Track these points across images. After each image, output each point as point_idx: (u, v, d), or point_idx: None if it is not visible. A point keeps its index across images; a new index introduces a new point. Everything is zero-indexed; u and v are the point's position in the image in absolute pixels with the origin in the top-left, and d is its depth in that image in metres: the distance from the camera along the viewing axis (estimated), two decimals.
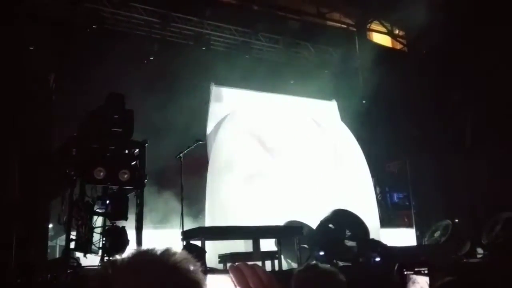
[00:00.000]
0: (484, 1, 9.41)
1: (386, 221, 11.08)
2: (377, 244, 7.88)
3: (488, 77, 9.72)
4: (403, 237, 10.90)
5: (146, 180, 6.41)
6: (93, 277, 1.14)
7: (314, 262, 2.35)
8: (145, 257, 1.12)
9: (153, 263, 1.10)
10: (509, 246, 7.33)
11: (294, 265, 7.44)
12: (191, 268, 1.13)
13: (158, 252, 1.13)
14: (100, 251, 5.80)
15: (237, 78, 10.11)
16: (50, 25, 8.54)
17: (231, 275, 1.10)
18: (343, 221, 8.15)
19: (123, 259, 1.12)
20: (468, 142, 10.41)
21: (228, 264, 1.15)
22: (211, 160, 9.42)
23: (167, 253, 1.13)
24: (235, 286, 1.10)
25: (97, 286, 1.11)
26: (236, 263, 1.12)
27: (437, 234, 8.79)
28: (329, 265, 2.40)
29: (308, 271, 2.25)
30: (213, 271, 1.18)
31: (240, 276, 1.10)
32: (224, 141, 9.68)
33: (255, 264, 1.13)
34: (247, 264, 1.12)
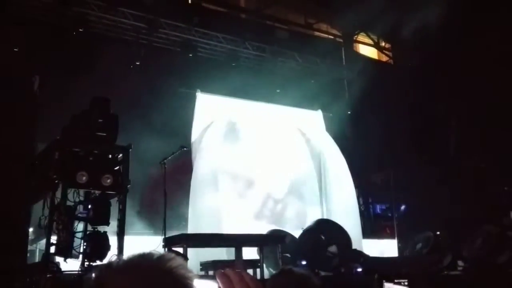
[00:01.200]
0: (470, 13, 9.56)
1: (368, 232, 11.13)
2: (359, 254, 7.92)
3: (474, 88, 9.86)
4: (385, 248, 10.96)
5: (129, 186, 6.36)
6: (88, 279, 1.13)
7: (289, 267, 2.34)
8: (141, 261, 1.12)
9: (149, 267, 1.10)
10: (490, 260, 7.40)
11: None
12: (186, 274, 1.12)
13: (155, 257, 1.13)
14: (81, 256, 5.73)
15: (223, 85, 10.11)
16: (35, 27, 8.47)
17: (218, 281, 1.10)
18: (326, 231, 8.18)
19: (118, 262, 1.12)
20: (452, 153, 10.53)
21: (215, 271, 1.15)
22: (195, 167, 9.39)
23: (162, 258, 1.13)
24: None
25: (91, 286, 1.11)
26: (225, 270, 1.11)
27: (418, 246, 8.85)
28: (303, 269, 2.39)
29: (282, 276, 2.25)
30: (200, 276, 1.17)
31: (227, 282, 1.09)
32: (208, 149, 9.65)
33: (243, 271, 1.12)
34: (235, 271, 1.11)
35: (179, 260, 1.13)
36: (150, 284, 1.07)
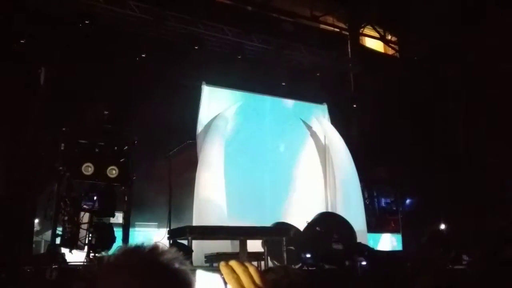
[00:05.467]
0: (475, 7, 9.47)
1: (373, 226, 11.12)
2: (364, 247, 7.90)
3: (482, 83, 9.79)
4: (389, 241, 10.95)
5: (134, 178, 6.38)
6: (80, 275, 1.11)
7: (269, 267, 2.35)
8: (132, 256, 1.09)
9: (141, 262, 1.08)
10: (496, 254, 7.36)
11: None
12: (180, 267, 1.10)
13: (146, 250, 1.10)
14: (86, 247, 5.76)
15: (229, 78, 10.10)
16: (42, 19, 8.47)
17: (222, 272, 1.08)
18: (331, 224, 8.16)
19: (110, 257, 1.10)
20: (460, 147, 10.47)
21: (220, 262, 1.12)
22: (200, 160, 9.39)
23: (155, 251, 1.10)
24: (225, 284, 1.08)
25: (84, 283, 1.09)
26: (229, 261, 1.09)
27: (423, 239, 8.83)
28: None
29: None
30: (203, 268, 1.16)
31: (230, 273, 1.07)
32: (213, 141, 9.65)
33: (248, 262, 1.10)
34: (239, 262, 1.09)
35: (173, 253, 1.11)
36: (143, 279, 1.05)
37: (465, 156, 10.25)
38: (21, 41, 7.83)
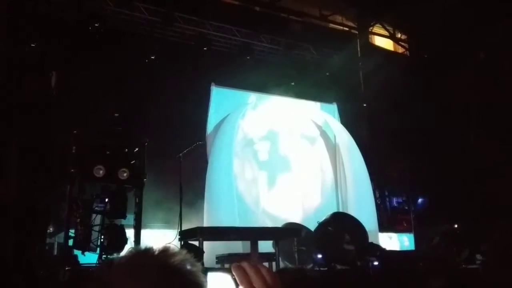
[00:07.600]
0: (485, 3, 9.39)
1: (385, 225, 11.05)
2: (376, 248, 7.86)
3: (492, 78, 9.70)
4: (402, 241, 10.89)
5: (145, 179, 6.40)
6: (89, 278, 1.10)
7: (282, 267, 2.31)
8: (142, 258, 1.09)
9: (151, 265, 1.07)
10: (509, 253, 7.29)
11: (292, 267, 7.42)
12: (191, 269, 1.10)
13: (156, 252, 1.10)
14: (98, 249, 5.79)
15: (238, 79, 10.10)
16: (52, 23, 8.52)
17: (234, 273, 1.07)
18: (342, 224, 8.14)
19: (120, 260, 1.09)
20: (472, 147, 10.38)
21: (231, 264, 1.11)
22: (210, 161, 9.41)
23: (165, 253, 1.09)
24: (237, 285, 1.07)
25: (95, 285, 1.08)
26: (241, 262, 1.09)
27: (436, 239, 8.77)
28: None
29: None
30: (215, 269, 1.15)
31: (243, 274, 1.07)
32: (223, 142, 9.67)
33: (260, 263, 1.09)
34: (251, 263, 1.08)
35: (183, 255, 1.11)
36: (153, 282, 1.04)
37: (476, 155, 10.15)
38: (32, 45, 7.89)
